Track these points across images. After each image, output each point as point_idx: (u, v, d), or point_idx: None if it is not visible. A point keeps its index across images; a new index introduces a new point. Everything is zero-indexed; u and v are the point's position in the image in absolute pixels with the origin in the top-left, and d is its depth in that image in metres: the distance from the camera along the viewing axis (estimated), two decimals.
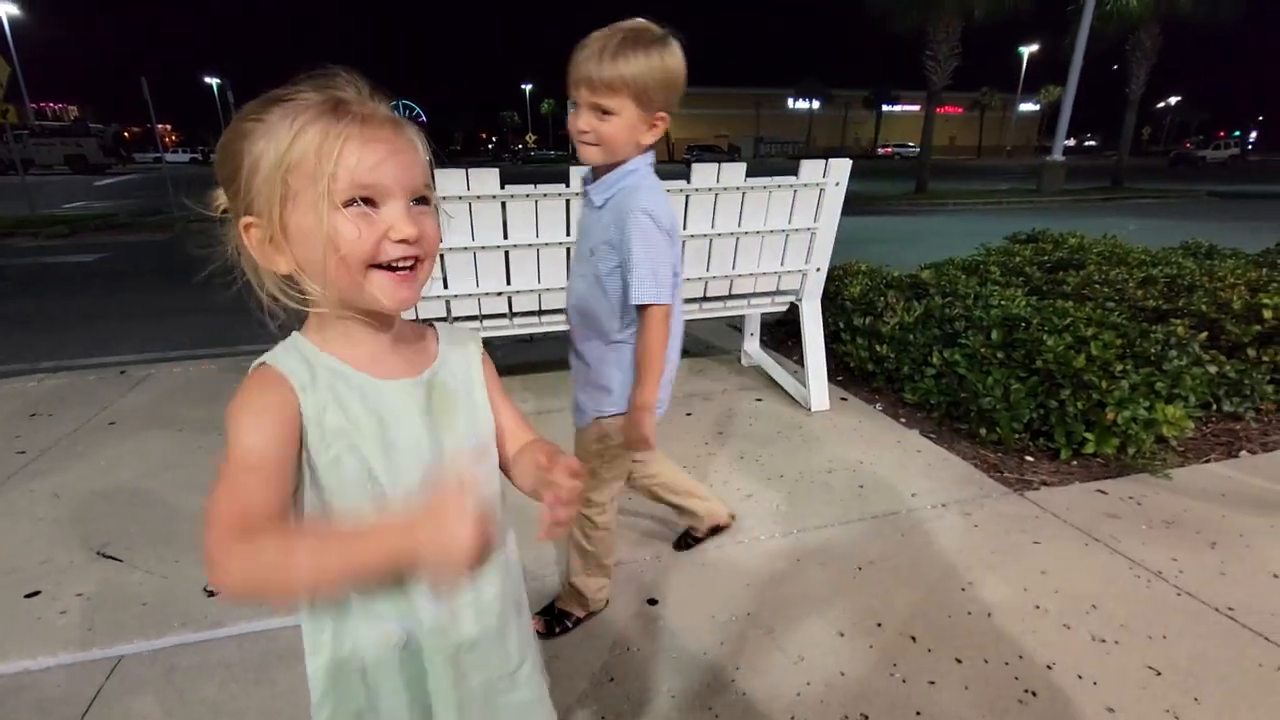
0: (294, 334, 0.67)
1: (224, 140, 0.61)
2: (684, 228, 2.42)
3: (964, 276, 3.42)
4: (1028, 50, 41.83)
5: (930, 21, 15.87)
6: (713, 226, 2.45)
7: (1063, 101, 16.17)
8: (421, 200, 0.63)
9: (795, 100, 69.00)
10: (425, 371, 0.71)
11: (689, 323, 2.84)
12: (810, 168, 2.44)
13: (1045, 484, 2.14)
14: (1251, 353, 2.57)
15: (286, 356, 0.64)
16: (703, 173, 2.35)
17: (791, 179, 2.43)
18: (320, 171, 0.57)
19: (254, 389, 0.62)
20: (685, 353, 3.57)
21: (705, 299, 2.66)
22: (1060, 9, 16.70)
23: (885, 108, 66.93)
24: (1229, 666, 1.38)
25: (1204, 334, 2.49)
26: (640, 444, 1.27)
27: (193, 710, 1.30)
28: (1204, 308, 2.73)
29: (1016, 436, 2.33)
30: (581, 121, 1.14)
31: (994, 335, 2.54)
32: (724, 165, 2.32)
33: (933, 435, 2.51)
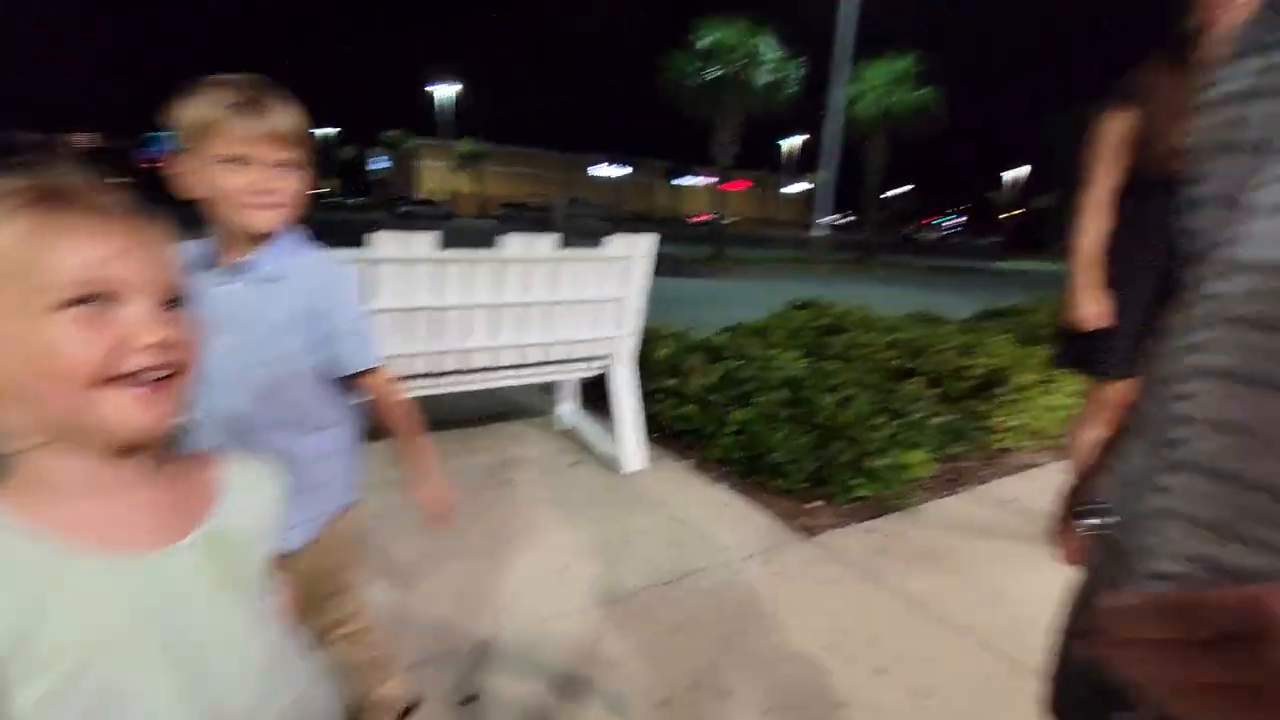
0: None
1: None
2: (501, 296, 2.41)
3: (754, 340, 3.83)
4: (797, 140, 49.36)
5: (715, 114, 18.15)
6: (527, 294, 2.47)
7: (819, 188, 19.40)
8: (176, 303, 0.52)
9: (606, 166, 73.39)
10: (200, 524, 0.55)
11: (505, 389, 2.80)
12: (620, 243, 2.59)
13: (829, 527, 2.42)
14: (965, 404, 3.20)
15: None
16: (516, 243, 2.37)
17: (601, 251, 2.56)
18: (26, 267, 0.46)
19: None
20: (501, 417, 3.52)
21: (521, 365, 2.65)
22: (816, 111, 20.11)
23: (681, 180, 73.94)
24: (979, 683, 1.64)
25: (933, 390, 3.05)
26: (446, 514, 1.17)
27: None
28: (931, 368, 3.35)
29: (803, 486, 2.62)
30: (268, 181, 0.97)
31: (780, 395, 2.86)
32: (536, 237, 2.38)
33: (738, 488, 2.72)
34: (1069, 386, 3.31)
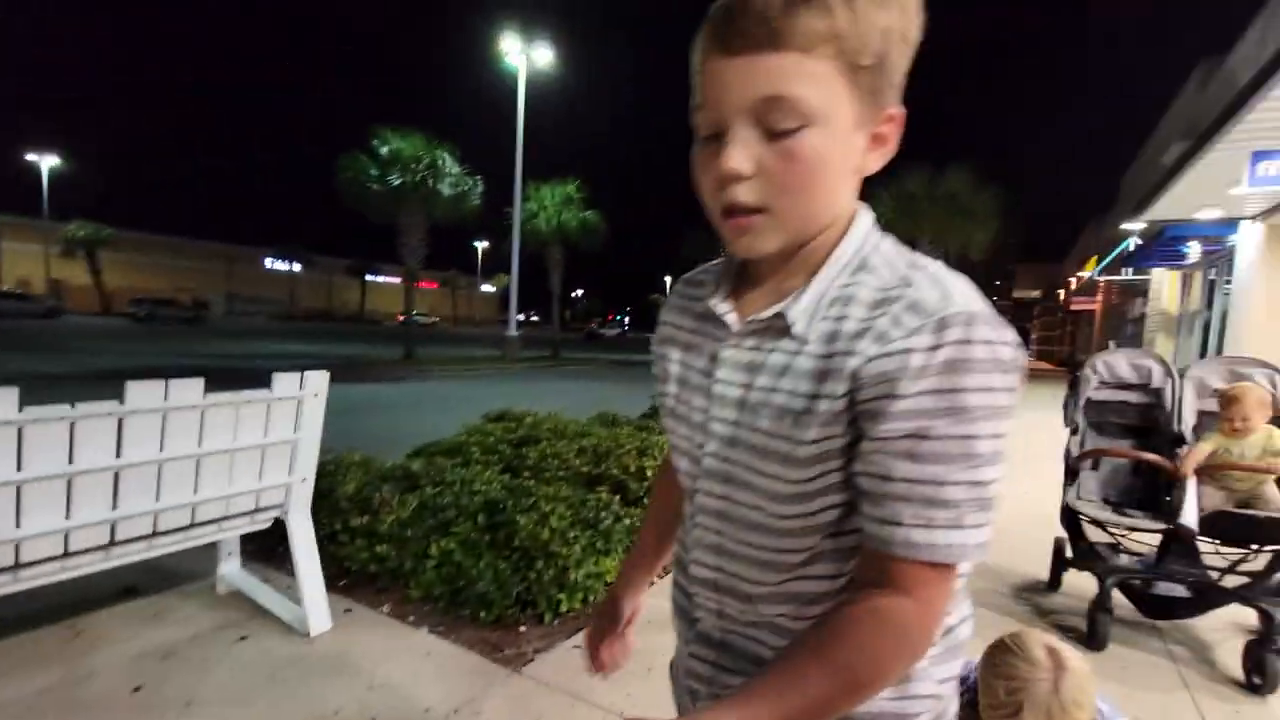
0: None
1: None
2: (117, 456, 1.97)
3: (449, 463, 3.78)
4: (481, 245, 51.35)
5: (400, 214, 17.98)
6: (162, 450, 2.07)
7: (509, 291, 20.45)
8: None
9: (275, 261, 65.60)
10: None
11: (143, 565, 2.24)
12: (285, 381, 2.36)
13: (538, 651, 2.45)
14: (646, 502, 3.62)
15: None
16: (143, 392, 1.99)
17: (265, 393, 2.30)
18: None
19: None
20: (130, 593, 2.75)
21: (156, 534, 2.16)
22: (500, 218, 21.44)
23: (370, 277, 70.21)
24: None
25: (617, 496, 3.39)
26: None
27: None
28: (615, 471, 3.73)
29: (509, 611, 2.62)
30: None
31: (479, 519, 2.86)
32: (174, 382, 2.03)
33: (440, 629, 2.58)
34: None
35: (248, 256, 63.33)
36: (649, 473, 3.64)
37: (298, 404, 2.41)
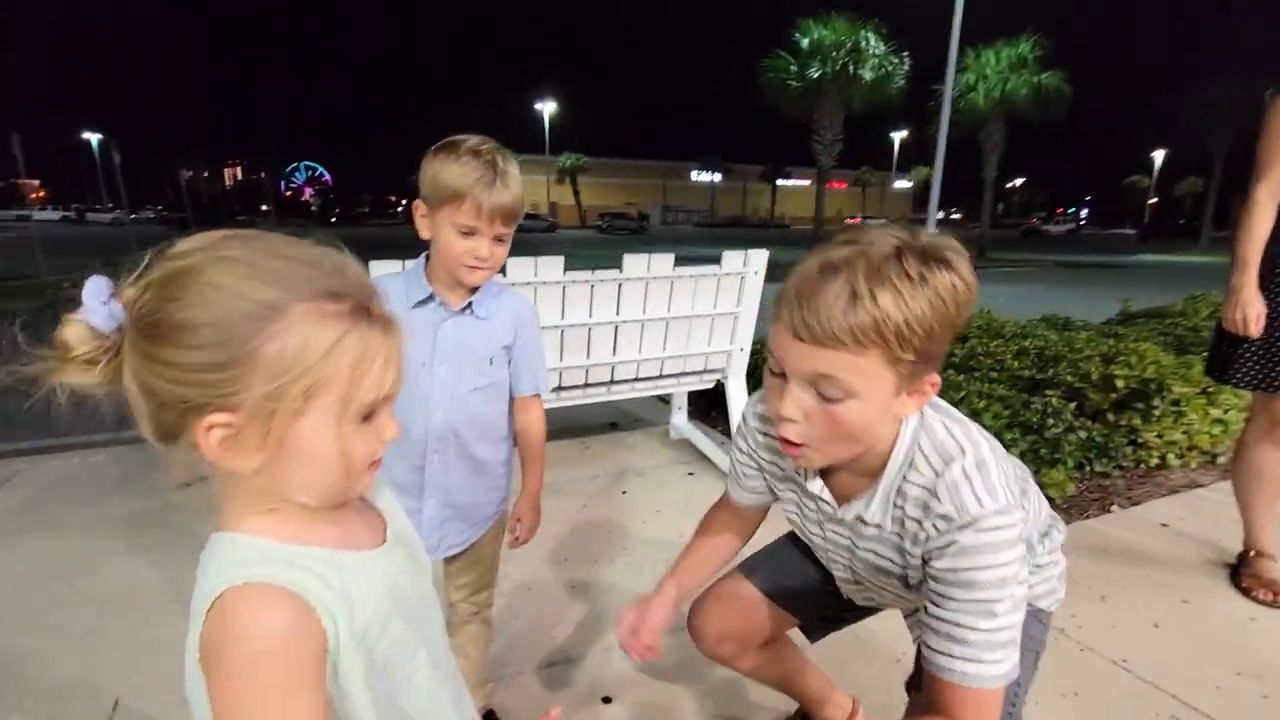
0: (233, 536, 0.56)
1: (218, 318, 0.49)
2: (617, 313, 2.53)
3: None
4: (898, 136, 47.02)
5: (816, 110, 17.67)
6: (644, 312, 2.57)
7: (931, 182, 18.30)
8: None
9: (698, 173, 73.36)
10: (388, 531, 0.66)
11: (624, 400, 2.92)
12: (732, 259, 2.63)
13: None
14: (1111, 417, 2.95)
15: (268, 565, 0.53)
16: (634, 263, 2.48)
17: (715, 268, 2.61)
18: (350, 395, 0.53)
19: (265, 631, 0.50)
20: (614, 427, 3.64)
21: (638, 379, 2.75)
22: (924, 103, 19.10)
23: (780, 182, 72.49)
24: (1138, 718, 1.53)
25: (1072, 403, 2.84)
26: (528, 537, 1.35)
27: None
28: (1069, 378, 3.12)
29: None
30: (489, 250, 1.13)
31: None
32: (653, 256, 2.47)
33: None
34: (1235, 399, 2.98)
35: (677, 171, 72.35)
36: (1119, 384, 2.94)
37: (740, 279, 2.67)
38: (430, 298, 1.17)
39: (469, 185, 1.06)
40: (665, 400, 3.76)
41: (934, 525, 0.83)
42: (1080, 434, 2.67)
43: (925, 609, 0.86)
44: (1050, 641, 1.77)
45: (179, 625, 0.54)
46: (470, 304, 1.19)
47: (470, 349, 1.21)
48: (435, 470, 1.22)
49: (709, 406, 3.90)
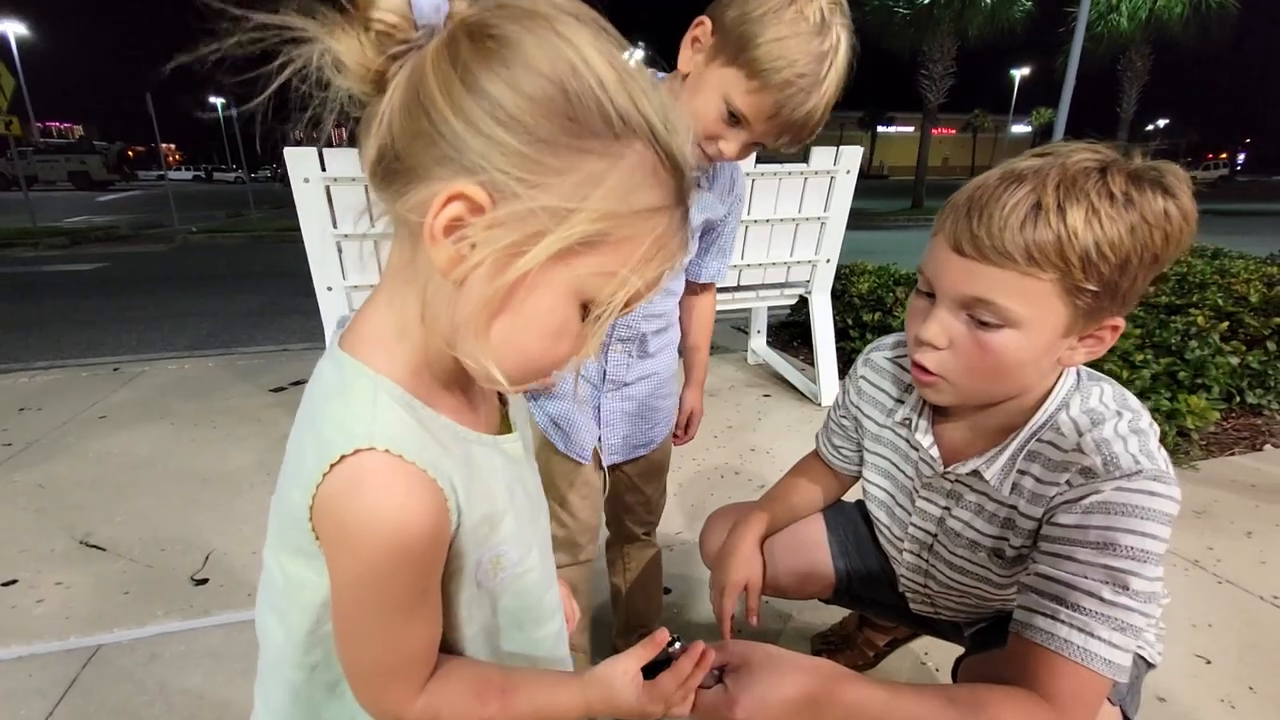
0: (368, 371, 0.45)
1: (562, 85, 0.38)
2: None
3: None
4: (1019, 73, 42.54)
5: (926, 40, 16.13)
6: None
7: (1055, 121, 16.35)
8: None
9: None
10: (510, 421, 0.58)
11: None
12: (821, 155, 2.40)
13: None
14: (1272, 345, 2.52)
15: (403, 430, 0.44)
16: None
17: (802, 166, 2.39)
18: (626, 275, 0.42)
19: (403, 515, 0.43)
20: None
21: None
22: (1051, 30, 17.00)
23: (880, 129, 67.90)
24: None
25: (1224, 324, 2.44)
26: (693, 430, 1.22)
27: (174, 700, 1.21)
28: (1220, 301, 2.68)
29: None
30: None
31: None
32: None
33: None
34: None
35: None
36: None
37: (830, 180, 2.44)
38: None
39: (783, 90, 0.76)
40: (744, 330, 3.61)
41: (1068, 481, 0.68)
42: (1231, 360, 2.29)
43: (1029, 573, 0.70)
44: (1180, 575, 1.55)
45: (265, 501, 0.51)
46: (698, 174, 0.94)
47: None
48: (619, 362, 1.03)
49: (791, 338, 3.71)
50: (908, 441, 0.85)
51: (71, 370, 3.19)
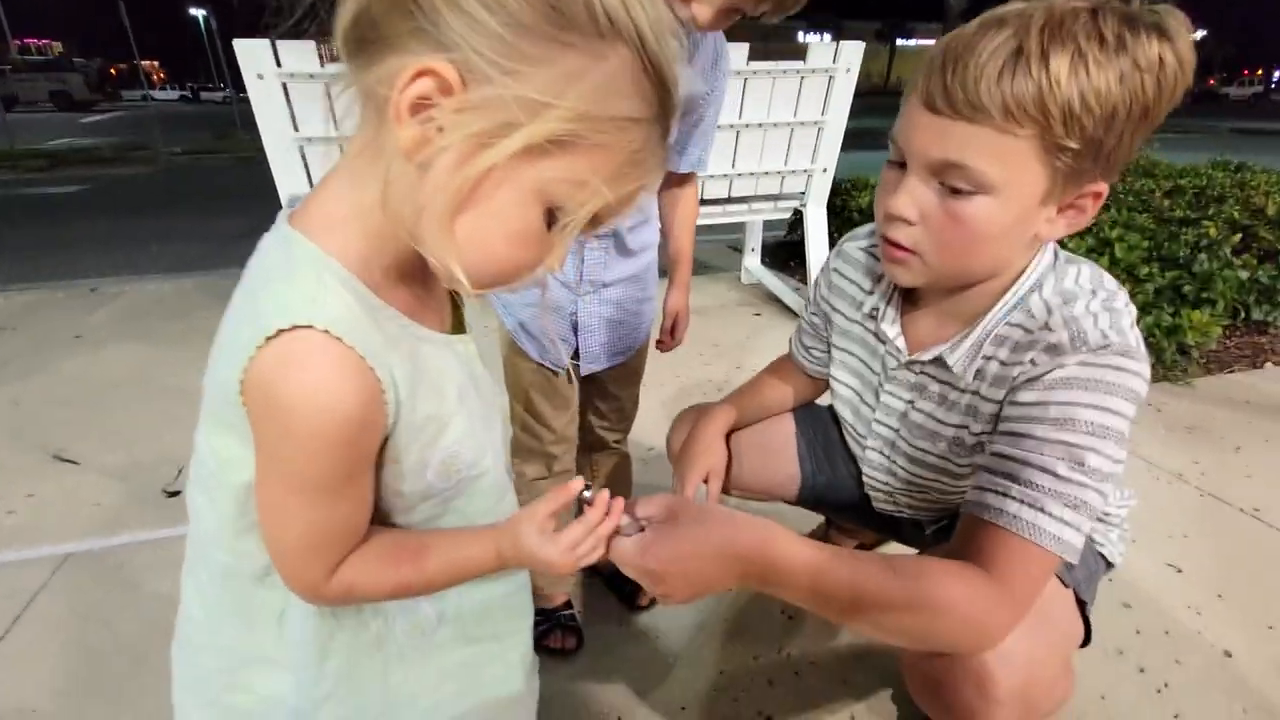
0: (309, 242, 0.43)
1: None
2: None
3: None
4: None
5: None
6: None
7: None
8: None
9: (805, 34, 66.40)
10: (466, 322, 0.57)
11: None
12: (819, 51, 2.22)
13: None
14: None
15: (345, 314, 0.42)
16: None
17: (798, 64, 2.22)
18: (597, 185, 0.41)
19: (331, 396, 0.41)
20: None
21: (703, 202, 2.49)
22: None
23: (900, 41, 64.36)
24: (1257, 564, 1.29)
25: (1237, 236, 2.32)
26: (681, 334, 1.15)
27: (143, 604, 1.21)
28: (1236, 214, 2.55)
29: None
30: None
31: None
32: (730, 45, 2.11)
33: None
34: None
35: (781, 31, 65.52)
36: None
37: (828, 79, 2.27)
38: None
39: None
40: (739, 250, 3.49)
41: (1033, 359, 0.64)
42: (1240, 273, 2.19)
43: (985, 453, 0.67)
44: (1163, 488, 1.53)
45: None
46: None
47: None
48: (595, 261, 0.95)
49: (789, 258, 3.60)
50: (875, 335, 0.80)
51: (48, 291, 3.13)
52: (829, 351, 0.92)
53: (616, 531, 0.55)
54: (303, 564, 0.48)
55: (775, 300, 2.91)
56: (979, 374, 0.70)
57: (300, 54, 1.76)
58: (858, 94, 2.26)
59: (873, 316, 0.80)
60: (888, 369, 0.80)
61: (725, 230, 3.21)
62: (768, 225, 3.12)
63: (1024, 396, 0.64)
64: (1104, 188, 0.61)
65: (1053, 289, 0.66)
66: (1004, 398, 0.68)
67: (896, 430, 0.82)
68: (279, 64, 1.77)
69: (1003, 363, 0.68)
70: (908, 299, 0.77)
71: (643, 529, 0.56)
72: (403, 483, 0.50)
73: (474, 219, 0.41)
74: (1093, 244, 2.15)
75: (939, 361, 0.73)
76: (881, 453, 0.86)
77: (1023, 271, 0.67)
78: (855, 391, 0.87)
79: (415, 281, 0.49)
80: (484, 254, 0.43)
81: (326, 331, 0.40)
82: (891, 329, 0.77)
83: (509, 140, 0.38)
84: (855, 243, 0.85)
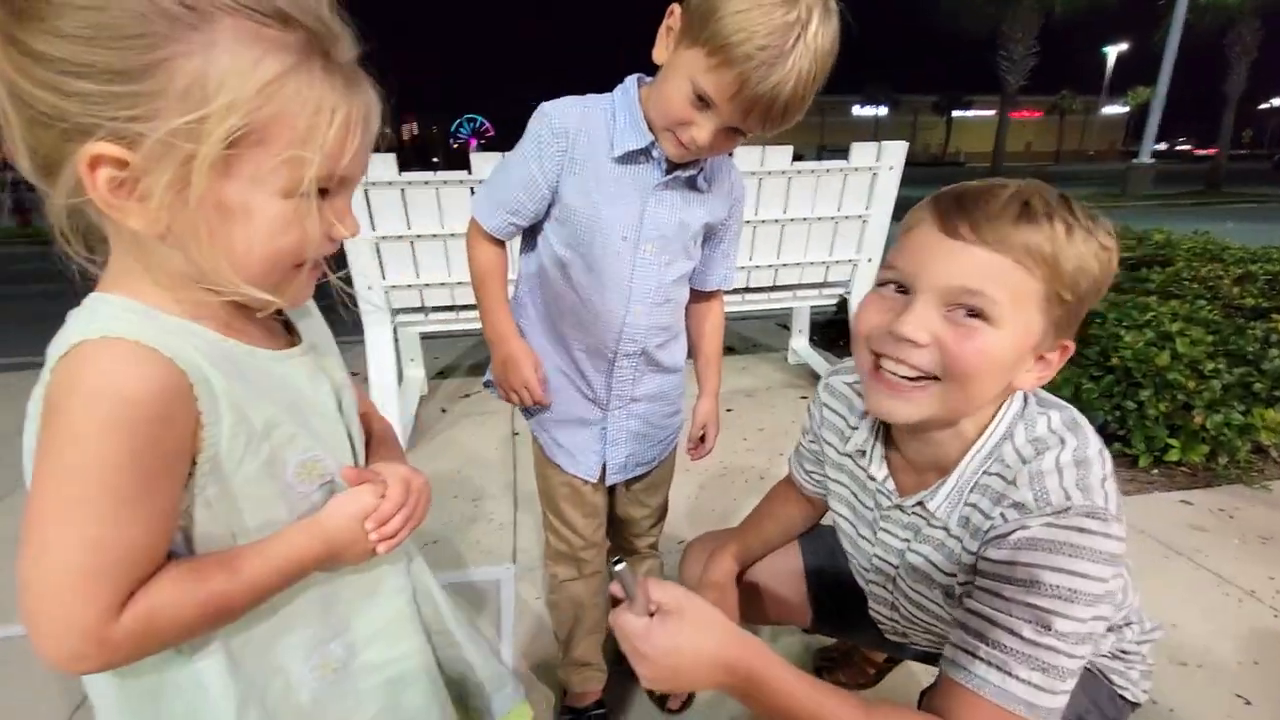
0: (107, 295, 0.46)
1: (116, 16, 0.38)
2: None
3: None
4: (1113, 49, 39.55)
5: (1006, 19, 15.25)
6: (756, 214, 2.37)
7: (1152, 101, 15.10)
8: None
9: (861, 107, 67.60)
10: (301, 341, 0.58)
11: (734, 318, 2.76)
12: (862, 151, 2.32)
13: (1123, 493, 1.94)
14: None
15: (140, 326, 0.43)
16: (746, 157, 2.27)
17: (841, 163, 2.33)
18: (297, 154, 0.43)
19: (118, 376, 0.41)
20: (729, 350, 3.50)
21: (748, 290, 2.57)
22: (1147, 3, 15.72)
23: (956, 113, 64.68)
24: None
25: None
26: (711, 442, 1.15)
27: None
28: None
29: None
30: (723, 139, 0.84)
31: None
32: (768, 148, 2.24)
33: None
34: None
35: (838, 105, 66.89)
36: None
37: (872, 177, 2.36)
38: (647, 150, 0.87)
39: (745, 49, 0.72)
40: (787, 327, 3.53)
41: (1002, 514, 0.65)
42: None
43: (960, 606, 0.67)
44: (1233, 607, 1.44)
45: None
46: (697, 174, 0.91)
47: (687, 227, 0.94)
48: (625, 377, 0.99)
49: (838, 336, 3.62)
50: (865, 471, 0.81)
51: None
52: (825, 479, 0.93)
53: (620, 602, 0.60)
54: (78, 600, 0.41)
55: None
56: (963, 522, 0.70)
57: (381, 165, 1.99)
58: (916, 163, 2.32)
59: (860, 454, 0.81)
60: (881, 506, 0.80)
61: (771, 311, 3.27)
62: (814, 307, 3.16)
63: (993, 554, 0.64)
64: (1071, 344, 0.65)
65: (1024, 437, 0.67)
66: (978, 550, 0.68)
67: (896, 568, 0.82)
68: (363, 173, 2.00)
69: (982, 513, 0.68)
70: (888, 440, 0.78)
71: (652, 613, 0.60)
72: (254, 488, 0.49)
73: (228, 240, 0.44)
74: (1153, 337, 2.10)
75: (921, 506, 0.74)
76: (884, 588, 0.86)
77: (991, 418, 0.68)
78: (853, 525, 0.87)
79: (238, 317, 0.51)
80: (256, 260, 0.45)
81: (105, 336, 0.41)
82: (880, 470, 0.78)
83: (198, 172, 0.40)
84: (840, 377, 0.87)
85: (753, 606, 1.00)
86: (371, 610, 0.61)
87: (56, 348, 0.43)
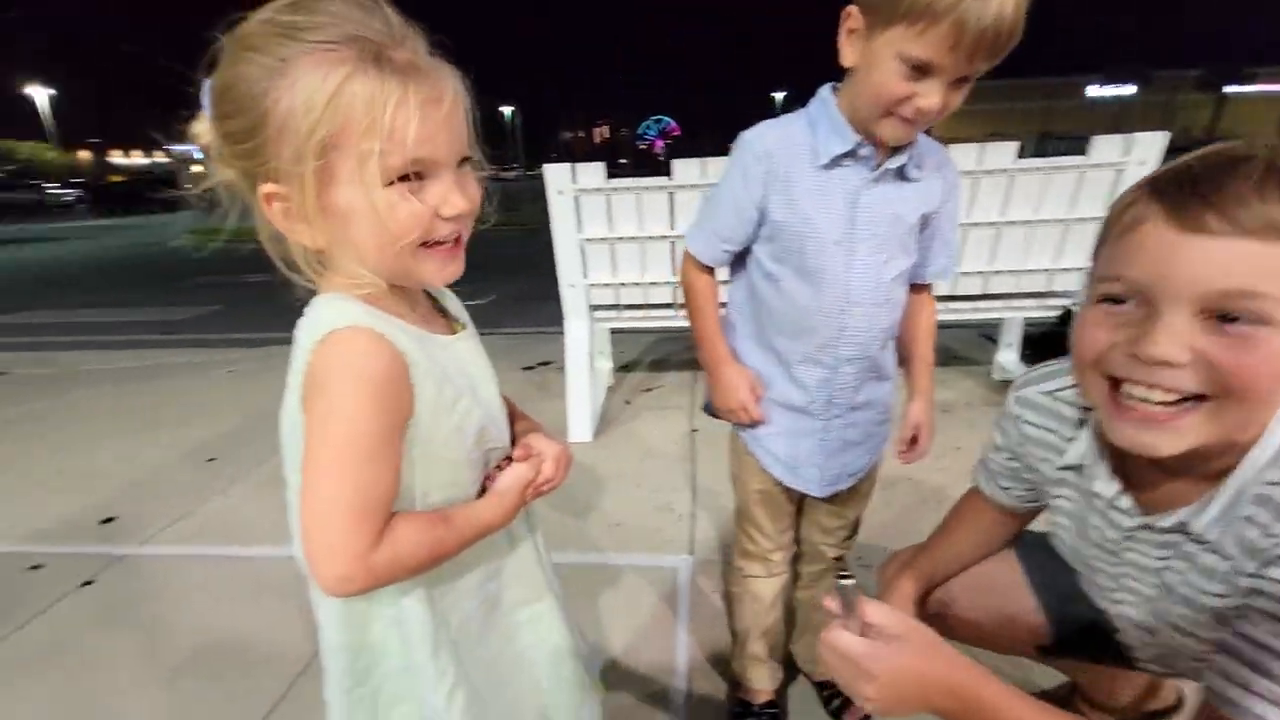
0: (337, 296, 0.56)
1: (229, 81, 0.51)
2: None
3: None
4: None
5: None
6: (968, 216, 2.18)
7: None
8: (464, 160, 0.57)
9: (1102, 86, 58.26)
10: (459, 324, 0.69)
11: (941, 332, 2.57)
12: (1105, 145, 2.03)
13: None
14: None
15: (369, 319, 0.55)
16: (964, 157, 2.10)
17: (1075, 159, 2.05)
18: (368, 146, 0.49)
19: (366, 358, 0.53)
20: None
21: (952, 297, 2.38)
22: None
23: (1230, 88, 53.14)
24: None
25: None
26: (926, 444, 1.10)
27: None
28: None
29: None
30: (943, 97, 0.79)
31: None
32: (989, 145, 2.05)
33: None
34: None
35: (1066, 88, 58.11)
36: None
37: (1116, 175, 2.06)
38: (853, 152, 0.87)
39: (954, 10, 0.71)
40: (994, 340, 3.19)
41: None
42: None
43: (1231, 630, 0.59)
44: None
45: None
46: (906, 162, 0.88)
47: (901, 220, 0.91)
48: (846, 384, 0.98)
49: (1057, 351, 3.18)
50: (1089, 487, 0.72)
51: None
52: (1034, 489, 0.84)
53: (835, 615, 0.61)
54: (353, 531, 0.53)
55: None
56: (1239, 541, 0.61)
57: (591, 173, 2.15)
58: (1175, 149, 1.95)
59: (1077, 470, 0.73)
60: (1121, 527, 0.71)
61: (975, 322, 2.98)
62: (1029, 319, 2.83)
63: (1277, 573, 0.56)
64: None
65: None
66: (1256, 569, 0.59)
67: (1158, 584, 0.72)
68: (574, 180, 2.17)
69: (1262, 528, 0.59)
70: (1118, 449, 0.66)
71: (864, 634, 0.60)
72: (444, 450, 0.60)
73: (356, 237, 0.53)
74: None
75: (1182, 526, 0.64)
76: (1136, 609, 0.76)
77: (1272, 420, 0.58)
78: (1077, 542, 0.79)
79: (407, 306, 0.61)
80: (375, 249, 0.54)
81: (353, 325, 0.53)
82: (1108, 486, 0.69)
83: (308, 185, 0.50)
84: (1034, 388, 0.78)
85: (964, 627, 0.92)
86: (511, 558, 0.73)
87: (309, 335, 0.55)
